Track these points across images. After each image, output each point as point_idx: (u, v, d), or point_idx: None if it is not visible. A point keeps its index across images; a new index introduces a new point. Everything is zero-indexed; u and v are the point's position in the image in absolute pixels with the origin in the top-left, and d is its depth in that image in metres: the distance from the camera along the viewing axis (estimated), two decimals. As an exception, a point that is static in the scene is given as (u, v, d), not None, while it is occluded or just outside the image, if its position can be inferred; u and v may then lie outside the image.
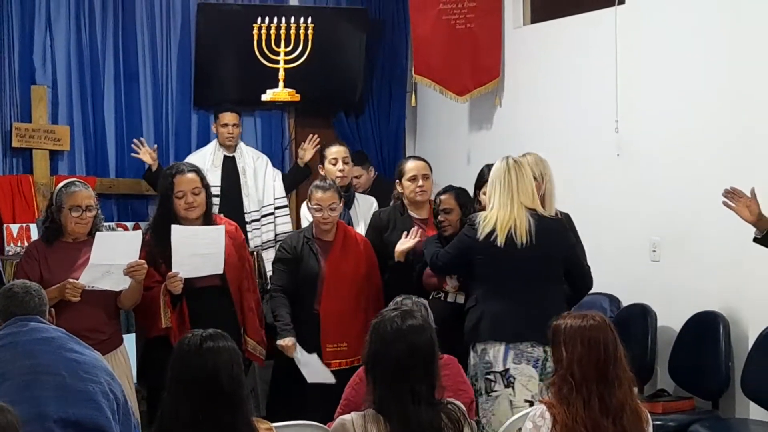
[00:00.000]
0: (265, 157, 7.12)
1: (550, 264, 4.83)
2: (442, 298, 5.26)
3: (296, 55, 6.86)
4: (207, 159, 6.75)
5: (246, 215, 6.77)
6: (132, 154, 6.79)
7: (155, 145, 6.83)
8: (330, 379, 5.13)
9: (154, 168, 6.64)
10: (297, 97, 6.99)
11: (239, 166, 6.86)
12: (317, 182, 5.51)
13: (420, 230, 5.42)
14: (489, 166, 5.79)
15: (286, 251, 5.41)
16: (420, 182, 5.61)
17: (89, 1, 7.21)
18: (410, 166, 5.68)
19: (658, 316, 5.76)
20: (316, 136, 6.94)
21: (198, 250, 4.92)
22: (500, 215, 4.78)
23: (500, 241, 4.75)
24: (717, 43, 5.65)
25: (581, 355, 3.41)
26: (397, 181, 5.72)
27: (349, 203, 6.16)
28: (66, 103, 7.18)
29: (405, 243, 5.39)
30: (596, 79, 6.39)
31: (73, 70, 7.19)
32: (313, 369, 5.18)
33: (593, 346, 3.42)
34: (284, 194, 7.00)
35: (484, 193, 5.26)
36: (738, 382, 5.34)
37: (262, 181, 6.92)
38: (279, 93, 6.96)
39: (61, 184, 5.02)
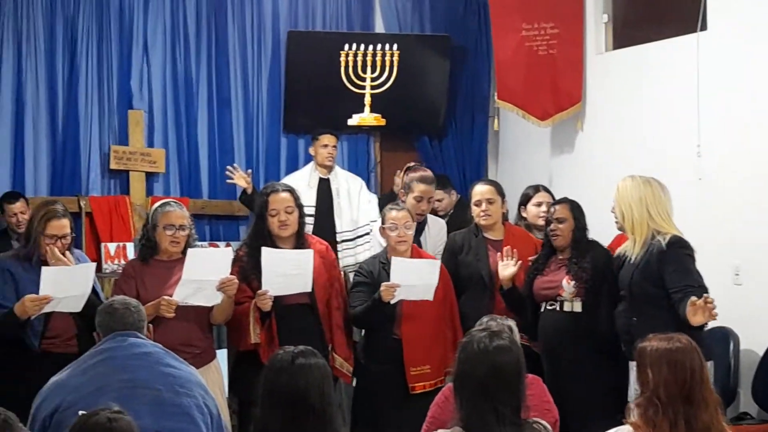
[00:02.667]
0: (359, 180, 7.12)
1: None
2: (557, 309, 5.13)
3: (382, 81, 6.90)
4: (303, 180, 6.77)
5: (337, 235, 6.77)
6: (227, 180, 6.84)
7: (249, 170, 6.88)
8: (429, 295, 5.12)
9: (249, 191, 6.68)
10: (382, 122, 7.02)
11: (333, 187, 6.87)
12: (390, 204, 5.50)
13: (514, 250, 5.33)
14: (532, 187, 5.84)
15: (363, 275, 5.37)
16: (483, 207, 5.53)
17: (184, 29, 7.36)
18: (475, 191, 5.62)
19: (741, 339, 5.64)
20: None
21: (287, 271, 4.94)
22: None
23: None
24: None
25: (667, 378, 3.34)
26: (472, 204, 5.70)
27: (420, 230, 6.10)
28: (161, 127, 7.32)
29: (507, 268, 5.25)
30: (678, 104, 6.31)
31: (169, 95, 7.34)
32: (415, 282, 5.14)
33: (679, 369, 3.35)
34: (377, 218, 6.96)
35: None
36: (823, 406, 5.21)
37: (356, 202, 6.91)
38: (365, 118, 7.00)
39: (156, 204, 5.09)
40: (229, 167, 6.82)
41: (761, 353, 5.59)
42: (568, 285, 5.07)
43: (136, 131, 7.15)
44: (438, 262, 5.25)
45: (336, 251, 6.36)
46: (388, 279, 5.17)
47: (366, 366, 5.33)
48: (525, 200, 5.95)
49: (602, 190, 6.00)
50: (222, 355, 5.33)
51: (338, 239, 6.74)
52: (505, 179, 7.44)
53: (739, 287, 5.87)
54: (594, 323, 4.96)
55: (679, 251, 4.68)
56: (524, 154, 7.90)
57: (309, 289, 5.03)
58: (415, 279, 5.08)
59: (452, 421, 3.34)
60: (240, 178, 6.69)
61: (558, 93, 7.29)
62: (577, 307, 5.08)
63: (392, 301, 5.07)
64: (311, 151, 6.95)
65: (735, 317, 5.74)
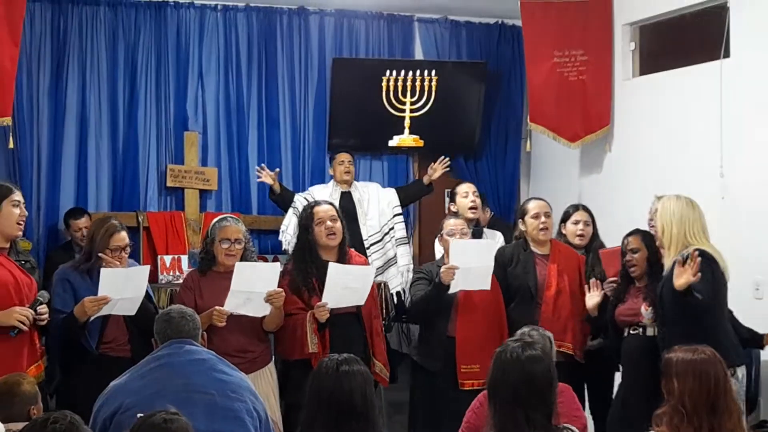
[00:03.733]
0: (374, 183, 7.16)
1: None
2: (640, 333, 5.07)
3: (421, 105, 6.89)
4: (326, 194, 6.82)
5: (365, 241, 6.79)
6: (258, 179, 6.85)
7: (277, 169, 6.87)
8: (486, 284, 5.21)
9: (276, 189, 6.71)
10: (421, 143, 7.00)
11: (355, 197, 6.90)
12: (449, 215, 5.58)
13: (599, 282, 5.36)
14: (572, 206, 5.86)
15: (423, 273, 5.50)
16: (543, 219, 5.58)
17: (236, 56, 7.42)
18: (533, 205, 5.68)
19: (761, 351, 5.58)
20: (446, 158, 6.95)
21: (348, 285, 4.98)
22: (715, 254, 4.71)
23: (727, 275, 4.76)
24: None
25: (692, 387, 3.35)
26: (520, 220, 5.70)
27: (478, 237, 6.18)
28: (214, 147, 7.38)
29: (593, 298, 5.35)
30: (701, 127, 6.28)
31: (221, 117, 7.40)
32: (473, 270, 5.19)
33: (704, 379, 3.36)
34: (398, 203, 6.98)
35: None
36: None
37: (376, 204, 6.93)
38: (405, 139, 6.98)
39: (215, 220, 5.15)
40: (257, 167, 6.84)
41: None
42: (646, 311, 5.06)
43: (191, 151, 7.22)
44: (494, 244, 5.33)
45: (366, 256, 6.43)
46: None
47: (420, 364, 5.38)
48: (565, 218, 5.93)
49: (629, 209, 6.01)
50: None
51: (366, 245, 6.77)
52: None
53: (760, 301, 5.82)
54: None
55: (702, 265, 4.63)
56: (555, 174, 7.88)
57: (363, 303, 5.10)
58: (473, 260, 5.15)
59: (486, 426, 3.35)
60: (267, 176, 6.68)
61: (587, 116, 7.28)
62: (654, 331, 5.04)
63: (451, 288, 5.12)
64: (330, 171, 7.01)
65: (756, 328, 5.68)
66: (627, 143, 7.13)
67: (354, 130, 7.61)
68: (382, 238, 6.87)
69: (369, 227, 6.85)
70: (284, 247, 6.66)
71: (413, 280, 5.62)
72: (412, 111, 6.93)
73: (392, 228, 6.86)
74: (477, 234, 6.23)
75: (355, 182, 6.99)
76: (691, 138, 6.42)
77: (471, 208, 6.32)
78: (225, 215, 5.24)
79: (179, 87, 7.27)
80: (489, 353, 5.06)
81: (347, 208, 6.69)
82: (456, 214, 5.93)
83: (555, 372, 3.43)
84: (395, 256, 6.82)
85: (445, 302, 5.29)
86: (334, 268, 4.94)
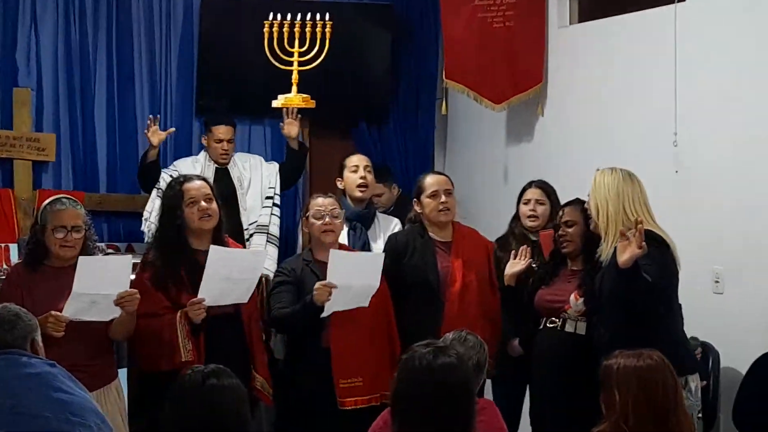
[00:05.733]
0: (257, 157, 7.20)
1: None
2: (558, 328, 5.21)
3: (312, 56, 6.86)
4: (195, 170, 6.75)
5: (245, 232, 6.79)
6: (144, 131, 6.75)
7: (172, 129, 6.91)
8: (364, 302, 5.18)
9: (152, 155, 6.65)
10: (312, 104, 6.98)
11: (234, 176, 6.88)
12: (315, 193, 5.61)
13: (528, 249, 5.45)
14: (535, 183, 5.82)
15: (285, 274, 5.41)
16: (442, 198, 5.62)
17: (79, -6, 7.30)
18: (430, 181, 5.70)
19: (721, 356, 5.72)
20: (295, 109, 6.90)
21: (232, 275, 4.94)
22: (665, 236, 4.81)
23: (678, 262, 4.85)
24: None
25: (636, 400, 3.41)
26: (415, 199, 5.74)
27: (368, 223, 6.21)
28: (52, 108, 7.26)
29: (515, 265, 5.48)
30: (652, 86, 6.36)
31: (61, 71, 7.28)
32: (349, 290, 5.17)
33: (650, 389, 3.42)
34: (276, 185, 7.02)
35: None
36: (813, 432, 5.30)
37: (259, 184, 6.92)
38: (292, 98, 6.94)
39: (46, 202, 5.03)
40: (150, 116, 6.73)
41: (744, 372, 5.66)
42: (576, 302, 5.14)
43: (22, 112, 7.07)
44: (381, 256, 5.32)
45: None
46: (312, 279, 5.22)
47: (290, 382, 5.35)
48: (519, 197, 5.99)
49: (565, 185, 6.07)
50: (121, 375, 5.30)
51: (246, 235, 6.80)
52: (454, 171, 7.51)
53: (720, 296, 5.93)
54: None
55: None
56: (477, 143, 7.95)
57: (246, 300, 5.08)
58: (356, 277, 5.11)
59: (390, 450, 3.37)
60: (155, 133, 6.64)
61: (516, 72, 7.35)
62: (581, 329, 5.14)
63: (325, 310, 5.08)
64: (204, 141, 7.01)
65: (715, 331, 5.82)
66: (563, 105, 7.22)
67: (228, 87, 7.57)
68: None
69: (250, 213, 6.82)
70: (147, 238, 6.59)
71: (273, 285, 5.49)
72: (300, 64, 6.89)
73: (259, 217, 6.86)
74: (366, 218, 6.27)
75: (234, 156, 6.95)
76: (639, 100, 6.51)
77: (359, 186, 6.32)
78: (59, 196, 5.12)
79: (6, 33, 7.11)
80: (374, 364, 5.14)
81: (223, 189, 6.64)
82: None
83: (474, 383, 3.47)
84: (267, 231, 6.84)
85: (318, 317, 5.22)
86: (215, 252, 4.90)
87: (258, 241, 6.81)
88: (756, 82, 5.78)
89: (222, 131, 6.88)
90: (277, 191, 7.00)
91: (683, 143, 6.13)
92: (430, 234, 5.66)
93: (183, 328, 4.90)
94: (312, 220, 5.40)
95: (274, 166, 7.07)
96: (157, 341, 4.93)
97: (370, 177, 6.39)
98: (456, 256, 5.60)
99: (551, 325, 5.21)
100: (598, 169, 5.03)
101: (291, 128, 6.91)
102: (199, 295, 4.87)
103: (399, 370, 3.44)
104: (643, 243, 4.47)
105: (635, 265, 4.49)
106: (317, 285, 5.08)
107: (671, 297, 4.88)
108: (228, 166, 6.91)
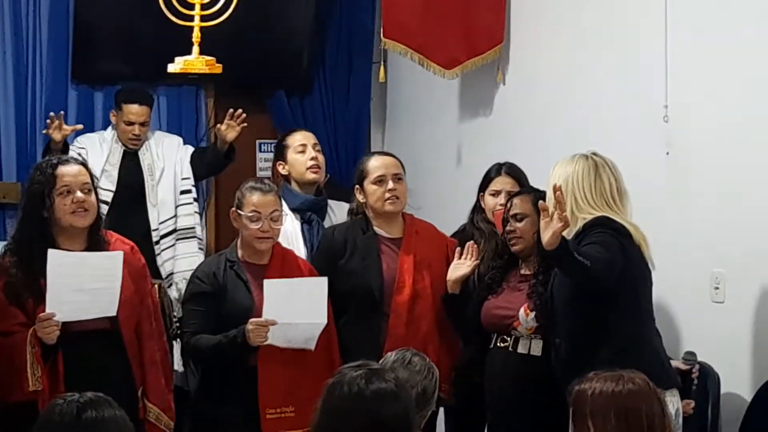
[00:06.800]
0: (175, 138, 7.29)
1: None
2: (509, 347, 5.23)
3: (218, 10, 6.84)
4: (102, 152, 6.73)
5: (153, 232, 6.76)
6: (43, 131, 6.76)
7: (80, 125, 6.96)
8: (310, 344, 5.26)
9: (57, 143, 6.65)
10: (218, 68, 6.99)
11: (144, 163, 6.85)
12: (251, 182, 5.56)
13: (475, 247, 5.43)
14: (495, 167, 5.84)
15: (201, 282, 5.44)
16: (390, 184, 5.64)
17: None
18: (375, 164, 5.74)
19: (721, 379, 5.76)
20: (240, 110, 6.95)
21: (84, 284, 4.91)
22: (629, 226, 4.89)
23: (649, 259, 4.96)
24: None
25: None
26: (357, 186, 5.74)
27: (321, 213, 6.20)
28: None
29: (459, 268, 5.48)
30: (639, 49, 6.34)
31: None
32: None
33: (632, 420, 3.44)
34: (190, 175, 7.04)
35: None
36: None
37: (172, 179, 6.89)
38: (193, 62, 6.95)
39: None
40: (52, 114, 6.71)
41: (750, 398, 5.70)
42: (525, 317, 5.15)
43: None
44: (324, 281, 5.39)
45: (152, 254, 6.36)
46: (240, 283, 5.23)
47: (202, 411, 5.34)
48: (483, 186, 5.99)
49: (529, 166, 6.10)
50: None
51: (154, 237, 6.76)
52: (396, 151, 7.42)
53: (720, 305, 5.93)
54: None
55: (597, 232, 4.78)
56: (422, 117, 7.98)
57: (114, 312, 5.02)
58: (297, 313, 5.19)
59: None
60: (56, 130, 6.63)
61: (471, 31, 7.32)
62: (536, 349, 5.15)
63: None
64: (112, 118, 7.00)
65: (714, 347, 5.84)
66: (528, 71, 7.22)
67: (112, 48, 7.56)
68: (174, 231, 6.86)
69: (160, 209, 6.78)
70: None
71: (187, 296, 5.56)
72: (203, 19, 6.89)
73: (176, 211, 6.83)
74: (317, 206, 6.26)
75: (150, 139, 7.01)
76: (622, 66, 6.48)
77: (311, 168, 6.36)
78: None
79: None
80: (308, 391, 5.16)
81: (131, 179, 6.62)
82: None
83: (415, 416, 3.46)
84: (174, 230, 6.87)
85: (240, 312, 5.29)
86: (55, 257, 4.87)
87: (187, 248, 6.81)
88: (760, 48, 5.80)
89: (135, 111, 6.91)
90: (192, 182, 6.99)
91: (675, 120, 6.15)
92: (375, 229, 5.70)
93: (33, 349, 4.86)
94: (245, 221, 5.39)
95: (187, 152, 7.04)
96: (7, 365, 4.91)
97: (321, 157, 6.47)
98: (406, 257, 5.64)
99: (502, 345, 5.23)
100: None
101: (230, 132, 6.94)
102: (48, 309, 4.84)
103: (323, 397, 3.43)
104: (565, 215, 4.58)
105: (564, 245, 4.54)
106: (251, 323, 5.12)
107: (638, 298, 5.00)
108: (139, 152, 6.86)
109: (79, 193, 5.03)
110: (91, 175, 5.19)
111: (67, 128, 6.69)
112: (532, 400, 5.03)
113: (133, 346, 5.16)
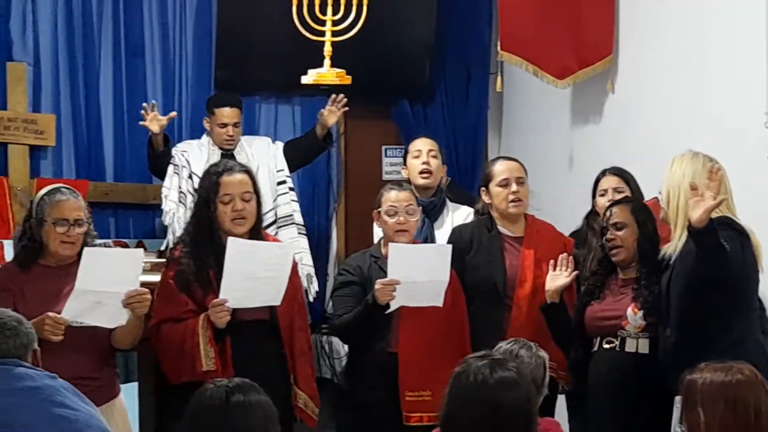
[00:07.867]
0: (264, 139, 7.30)
1: None
2: (616, 348, 5.12)
3: (347, 26, 6.88)
4: (202, 156, 6.78)
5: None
6: (140, 123, 6.79)
7: (173, 113, 6.97)
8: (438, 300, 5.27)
9: (158, 142, 6.70)
10: (347, 80, 7.01)
11: (240, 161, 6.89)
12: (388, 185, 5.67)
13: (571, 259, 5.41)
14: (609, 170, 5.80)
15: (350, 273, 5.55)
16: (514, 187, 5.65)
17: (80, -45, 7.34)
18: (500, 168, 5.75)
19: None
20: (341, 95, 7.00)
21: (257, 273, 4.97)
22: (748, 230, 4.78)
23: (762, 266, 4.83)
24: None
25: (724, 419, 3.39)
26: (483, 188, 5.77)
27: (434, 214, 6.24)
28: (51, 86, 7.30)
29: (557, 278, 5.39)
30: (742, 56, 6.30)
31: (61, 43, 7.32)
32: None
33: (740, 408, 3.40)
34: (284, 167, 7.07)
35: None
36: None
37: (266, 171, 6.94)
38: (324, 74, 6.98)
39: (43, 191, 5.07)
40: (145, 104, 6.78)
41: None
42: (634, 316, 5.10)
43: (17, 91, 7.13)
44: (448, 247, 5.40)
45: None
46: (382, 276, 5.25)
47: (350, 394, 5.42)
48: (593, 189, 5.99)
49: (638, 171, 6.05)
50: (129, 390, 5.33)
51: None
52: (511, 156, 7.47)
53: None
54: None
55: (722, 230, 4.68)
56: (536, 124, 7.95)
57: (279, 302, 5.09)
58: (421, 273, 5.21)
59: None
60: (153, 121, 6.69)
61: (582, 42, 7.30)
62: (644, 347, 5.10)
63: (391, 306, 5.18)
64: (206, 124, 7.05)
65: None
66: (636, 81, 7.16)
67: (251, 60, 7.58)
68: (275, 221, 6.90)
69: (264, 203, 6.85)
70: (167, 221, 6.62)
71: (336, 285, 5.66)
72: (334, 34, 6.92)
73: (275, 203, 6.88)
74: (433, 208, 6.34)
75: (241, 140, 6.99)
76: (725, 73, 6.46)
77: (422, 173, 6.46)
78: (57, 185, 5.15)
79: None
80: (445, 376, 5.16)
81: None
82: (403, 183, 5.91)
83: (535, 402, 3.46)
84: (275, 221, 6.87)
85: (383, 319, 5.33)
86: (234, 245, 4.94)
87: (288, 235, 6.84)
88: None
89: (227, 114, 6.92)
90: (287, 173, 7.01)
91: (776, 124, 6.09)
92: (499, 228, 5.71)
93: (205, 333, 4.93)
94: (385, 217, 5.48)
95: (278, 146, 7.09)
96: (178, 349, 4.99)
97: (435, 162, 6.52)
98: (528, 253, 5.64)
99: (608, 346, 5.15)
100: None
101: (331, 117, 6.99)
102: (221, 296, 4.90)
103: (449, 385, 3.44)
104: (722, 196, 4.49)
105: (711, 227, 4.46)
106: (378, 283, 5.19)
107: (751, 297, 4.84)
108: (234, 152, 6.93)
109: (238, 203, 5.10)
110: (254, 181, 5.26)
111: (163, 118, 6.71)
112: (640, 399, 4.96)
113: (287, 337, 5.23)
